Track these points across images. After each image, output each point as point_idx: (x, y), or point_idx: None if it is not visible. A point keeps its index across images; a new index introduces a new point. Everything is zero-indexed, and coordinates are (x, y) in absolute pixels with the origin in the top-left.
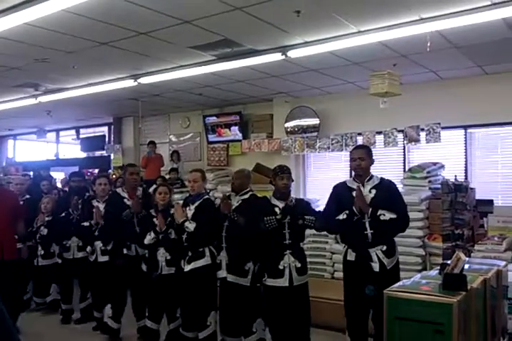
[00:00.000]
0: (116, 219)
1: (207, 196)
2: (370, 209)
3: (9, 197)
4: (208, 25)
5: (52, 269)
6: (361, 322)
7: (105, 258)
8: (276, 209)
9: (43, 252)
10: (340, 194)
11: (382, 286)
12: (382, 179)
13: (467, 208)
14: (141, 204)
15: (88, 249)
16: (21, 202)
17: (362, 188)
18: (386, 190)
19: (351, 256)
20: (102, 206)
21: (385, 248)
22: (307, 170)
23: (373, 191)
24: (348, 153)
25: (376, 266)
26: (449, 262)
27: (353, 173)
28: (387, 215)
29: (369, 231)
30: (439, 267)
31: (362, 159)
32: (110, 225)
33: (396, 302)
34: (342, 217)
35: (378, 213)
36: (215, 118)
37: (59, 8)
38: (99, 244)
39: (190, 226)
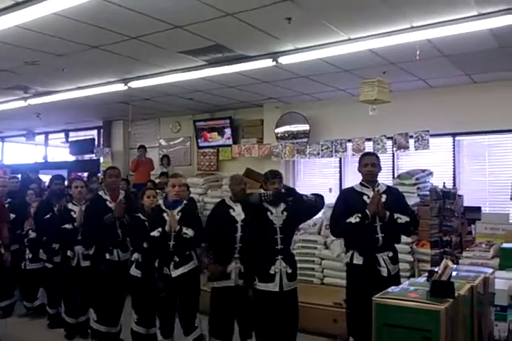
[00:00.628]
0: (97, 222)
1: (184, 200)
2: (388, 213)
3: None
4: (200, 31)
5: (40, 273)
6: (368, 326)
7: (87, 263)
8: (269, 214)
9: (31, 256)
10: (349, 198)
11: None
12: (387, 185)
13: (455, 215)
14: (124, 208)
15: (69, 253)
16: (6, 205)
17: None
18: (395, 195)
19: (358, 260)
20: (77, 209)
21: (391, 254)
22: (297, 176)
23: (384, 196)
24: (338, 159)
25: (384, 271)
26: (436, 269)
27: (362, 179)
28: (403, 218)
29: (380, 235)
30: (427, 274)
31: (374, 165)
32: (91, 228)
33: (384, 309)
34: (354, 220)
35: (395, 216)
36: (205, 123)
37: (50, 12)
38: (80, 248)
39: (189, 232)
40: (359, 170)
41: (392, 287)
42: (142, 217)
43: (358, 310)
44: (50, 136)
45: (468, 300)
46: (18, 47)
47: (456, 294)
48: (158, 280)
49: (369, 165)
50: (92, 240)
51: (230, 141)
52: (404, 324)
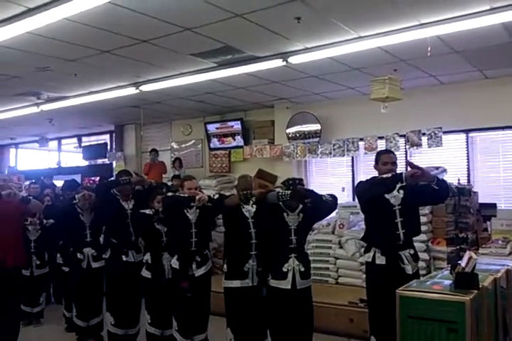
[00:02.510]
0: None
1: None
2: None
3: (13, 204)
4: (209, 33)
5: (45, 278)
6: (391, 324)
7: (98, 264)
8: (285, 215)
9: (38, 262)
10: (372, 185)
11: None
12: None
13: (470, 212)
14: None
15: (79, 255)
16: None
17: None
18: (411, 189)
19: (381, 260)
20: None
21: (412, 251)
22: (309, 176)
23: (401, 191)
24: (350, 159)
25: (409, 269)
26: (459, 262)
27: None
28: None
29: (401, 231)
30: (448, 268)
31: (394, 164)
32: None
33: (409, 302)
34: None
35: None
36: (216, 124)
37: (61, 17)
38: (89, 250)
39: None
40: (376, 168)
41: (415, 280)
42: (148, 212)
43: (381, 309)
44: (63, 141)
45: (492, 292)
46: (30, 53)
47: (480, 286)
48: (184, 280)
49: (389, 163)
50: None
51: (242, 143)
52: (429, 316)
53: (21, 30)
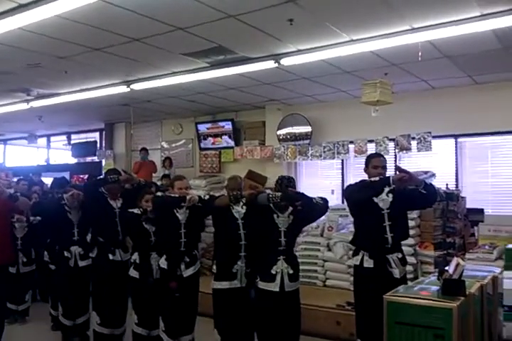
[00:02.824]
0: (98, 218)
1: None
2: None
3: (0, 201)
4: (202, 33)
5: (31, 276)
6: (378, 328)
7: (84, 262)
8: (275, 216)
9: (25, 259)
10: (360, 189)
11: None
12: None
13: (458, 217)
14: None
15: (66, 253)
16: None
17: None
18: (400, 193)
19: (369, 263)
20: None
21: (400, 255)
22: (299, 178)
23: (390, 195)
24: (340, 161)
25: (396, 272)
26: (446, 268)
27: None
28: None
29: (389, 235)
30: (435, 273)
31: (383, 168)
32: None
33: (396, 307)
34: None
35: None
36: (207, 124)
37: (53, 14)
38: (76, 248)
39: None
40: (366, 171)
41: (402, 285)
42: (136, 212)
43: (368, 312)
44: (52, 138)
45: (478, 298)
46: (21, 49)
47: (466, 292)
48: (173, 280)
49: (379, 167)
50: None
51: (232, 143)
52: (416, 322)
53: (12, 25)
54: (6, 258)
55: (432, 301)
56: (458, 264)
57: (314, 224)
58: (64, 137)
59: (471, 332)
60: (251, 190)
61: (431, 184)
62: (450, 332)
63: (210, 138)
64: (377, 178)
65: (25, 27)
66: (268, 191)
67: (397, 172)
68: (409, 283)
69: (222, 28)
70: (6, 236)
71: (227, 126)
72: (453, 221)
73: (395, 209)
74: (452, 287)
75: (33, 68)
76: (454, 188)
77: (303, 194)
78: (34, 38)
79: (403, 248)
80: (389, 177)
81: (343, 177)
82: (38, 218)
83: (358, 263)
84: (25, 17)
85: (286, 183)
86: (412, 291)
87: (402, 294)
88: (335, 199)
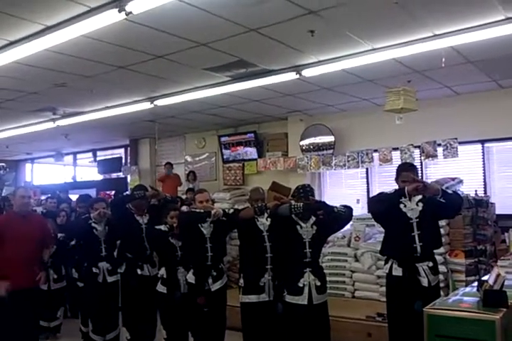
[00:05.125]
0: (127, 236)
1: None
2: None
3: (38, 224)
4: (223, 47)
5: (63, 292)
6: (410, 338)
7: (113, 278)
8: (298, 227)
9: (55, 276)
10: (390, 198)
11: (430, 302)
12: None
13: (488, 223)
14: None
15: (94, 269)
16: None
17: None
18: (430, 202)
19: (397, 271)
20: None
21: (431, 264)
22: (323, 188)
23: (420, 204)
24: (364, 170)
25: (425, 281)
26: (485, 278)
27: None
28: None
29: (418, 244)
30: (473, 284)
31: (413, 182)
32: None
33: (436, 320)
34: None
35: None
36: (230, 137)
37: (78, 34)
38: (104, 264)
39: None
40: (396, 182)
41: (442, 298)
42: (163, 229)
43: (399, 322)
44: (78, 155)
45: None
46: (47, 70)
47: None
48: (201, 296)
49: (408, 182)
50: (121, 253)
51: (255, 155)
52: (457, 334)
53: (39, 47)
54: (39, 281)
55: (473, 313)
56: (498, 275)
57: (340, 234)
58: (90, 154)
59: None
60: (275, 201)
61: (455, 192)
62: None
63: (233, 151)
64: (392, 190)
65: (51, 48)
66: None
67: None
68: (442, 293)
69: (244, 42)
70: (37, 260)
71: (250, 138)
72: (483, 228)
73: (424, 219)
74: (493, 298)
75: (59, 88)
76: (482, 194)
77: (324, 203)
78: (60, 59)
79: None
80: (404, 188)
81: (368, 186)
82: (63, 235)
83: (387, 271)
84: (51, 38)
85: (306, 192)
86: (450, 303)
87: (442, 306)
88: (360, 209)
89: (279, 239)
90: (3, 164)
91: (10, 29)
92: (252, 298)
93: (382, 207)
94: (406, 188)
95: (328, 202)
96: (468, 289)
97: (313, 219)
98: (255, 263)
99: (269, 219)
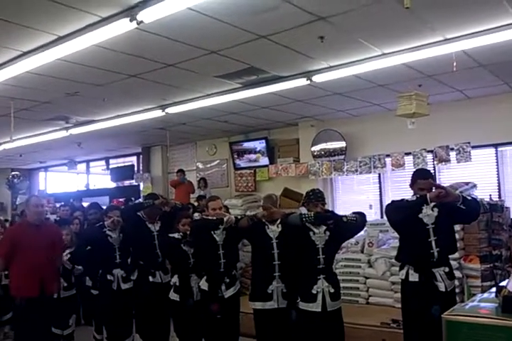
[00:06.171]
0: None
1: None
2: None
3: (52, 232)
4: (234, 55)
5: (74, 300)
6: None
7: (127, 285)
8: (311, 234)
9: (66, 284)
10: (409, 205)
11: (446, 308)
12: None
13: (503, 228)
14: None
15: (108, 276)
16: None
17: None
18: (447, 207)
19: (414, 277)
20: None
21: (447, 269)
22: (335, 194)
23: (435, 209)
24: (377, 175)
25: (442, 286)
26: (503, 284)
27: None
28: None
29: (435, 250)
30: (491, 290)
31: (430, 190)
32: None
33: (456, 326)
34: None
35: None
36: (241, 144)
37: (90, 44)
38: (119, 271)
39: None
40: (411, 188)
41: (460, 303)
42: (177, 237)
43: (416, 328)
44: (91, 163)
45: None
46: (60, 79)
47: None
48: (214, 303)
49: (425, 190)
50: (133, 260)
51: (267, 161)
52: None
53: (52, 57)
54: (53, 290)
55: (494, 320)
56: None
57: (353, 241)
58: (103, 162)
59: None
60: (264, 211)
61: (473, 198)
62: None
63: (244, 158)
64: (414, 197)
65: (63, 58)
66: (302, 209)
67: (433, 189)
68: (457, 299)
69: (254, 48)
70: (55, 268)
71: (261, 144)
72: (498, 232)
73: (440, 224)
74: None
75: (71, 97)
76: (496, 199)
77: (333, 212)
78: (72, 68)
79: None
80: (425, 195)
81: (380, 192)
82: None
83: (403, 277)
84: (63, 48)
85: (316, 197)
86: (469, 309)
87: (461, 312)
88: (373, 214)
89: (289, 246)
90: (17, 173)
91: (23, 40)
92: (257, 304)
93: (403, 214)
94: (428, 195)
95: (339, 209)
96: (485, 295)
97: (325, 226)
98: (263, 271)
99: (279, 226)
